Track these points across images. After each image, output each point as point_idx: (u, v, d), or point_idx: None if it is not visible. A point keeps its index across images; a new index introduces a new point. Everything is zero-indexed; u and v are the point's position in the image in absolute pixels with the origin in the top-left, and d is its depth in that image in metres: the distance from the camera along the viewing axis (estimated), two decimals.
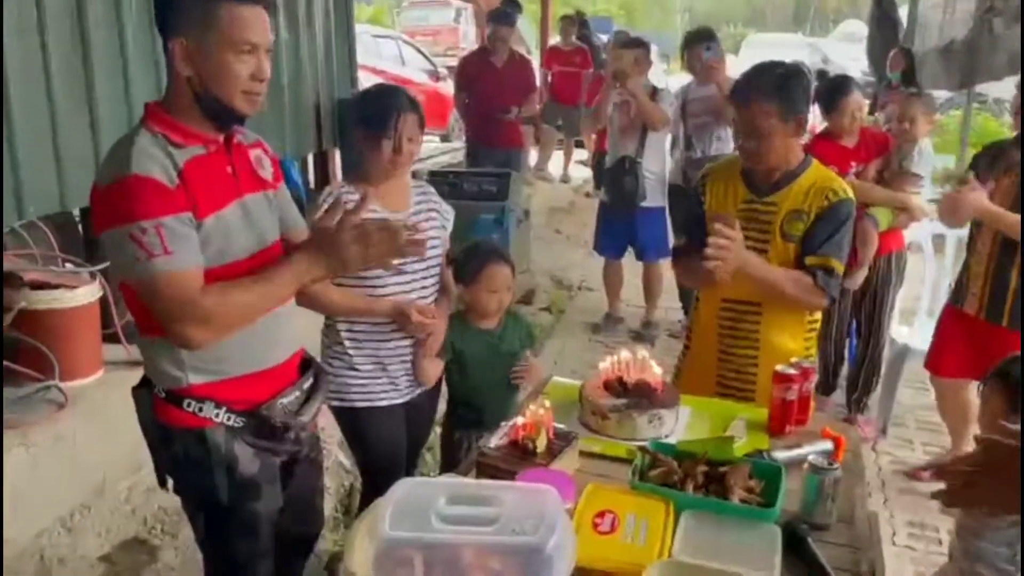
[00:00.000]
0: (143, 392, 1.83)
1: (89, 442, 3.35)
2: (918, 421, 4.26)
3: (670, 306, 5.41)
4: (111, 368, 3.93)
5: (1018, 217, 2.83)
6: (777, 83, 2.29)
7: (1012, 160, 3.01)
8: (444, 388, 2.75)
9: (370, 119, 2.35)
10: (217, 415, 1.78)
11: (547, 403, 1.98)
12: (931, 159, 3.88)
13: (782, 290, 2.34)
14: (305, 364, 2.01)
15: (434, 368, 2.54)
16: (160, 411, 1.80)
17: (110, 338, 4.01)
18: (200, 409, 1.77)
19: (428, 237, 2.37)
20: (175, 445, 1.81)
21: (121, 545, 2.88)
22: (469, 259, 2.62)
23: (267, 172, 1.90)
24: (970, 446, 2.24)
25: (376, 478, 2.57)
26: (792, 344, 2.44)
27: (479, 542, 1.43)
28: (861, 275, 3.89)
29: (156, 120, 1.71)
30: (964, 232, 4.17)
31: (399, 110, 2.33)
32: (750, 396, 2.45)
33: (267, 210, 1.87)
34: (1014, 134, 3.19)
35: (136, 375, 3.98)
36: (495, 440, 1.96)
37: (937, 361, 3.48)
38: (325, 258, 1.71)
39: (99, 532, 2.90)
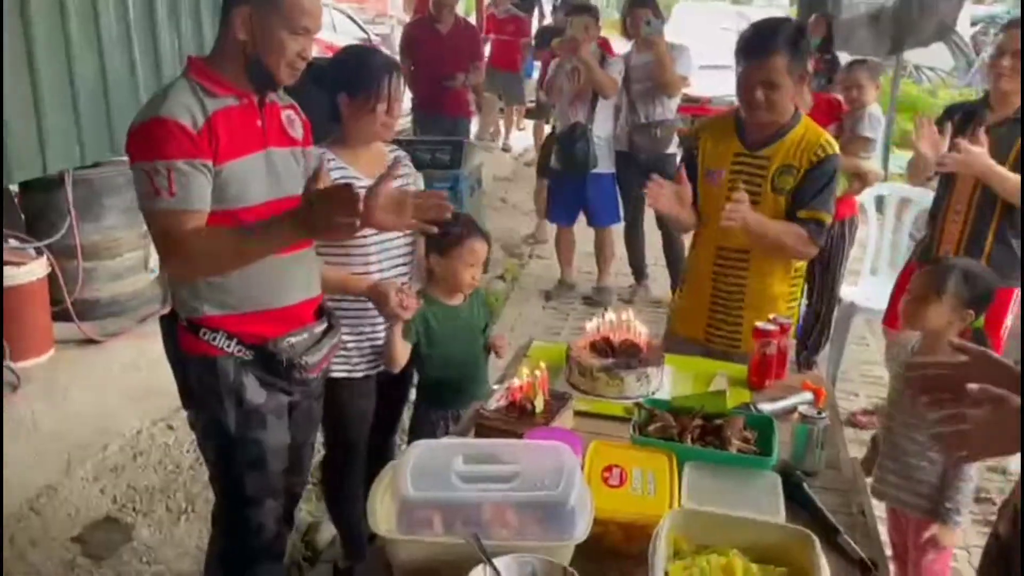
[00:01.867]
0: (168, 321, 1.97)
1: (48, 422, 3.27)
2: (861, 375, 4.45)
3: (621, 271, 5.50)
4: (62, 347, 3.81)
5: (1018, 178, 2.83)
6: (790, 38, 2.35)
7: (983, 121, 3.03)
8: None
9: (359, 83, 2.25)
10: (228, 345, 1.91)
11: (543, 364, 2.01)
12: (881, 123, 4.00)
13: (782, 242, 2.46)
14: (321, 312, 2.13)
15: (402, 353, 2.45)
16: (181, 339, 1.94)
17: (59, 316, 3.89)
18: (213, 338, 1.91)
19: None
20: (190, 372, 1.96)
21: (93, 525, 2.81)
22: (447, 230, 2.45)
23: (297, 132, 2.04)
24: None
25: (342, 449, 2.56)
26: (778, 289, 2.56)
27: (502, 499, 1.46)
28: None
29: (196, 71, 1.86)
30: (906, 193, 4.38)
31: (390, 72, 2.25)
32: (737, 341, 2.55)
33: (292, 164, 2.00)
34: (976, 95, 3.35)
35: (88, 353, 3.87)
36: (492, 403, 1.98)
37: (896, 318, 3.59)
38: (308, 217, 1.74)
39: (69, 513, 2.83)
